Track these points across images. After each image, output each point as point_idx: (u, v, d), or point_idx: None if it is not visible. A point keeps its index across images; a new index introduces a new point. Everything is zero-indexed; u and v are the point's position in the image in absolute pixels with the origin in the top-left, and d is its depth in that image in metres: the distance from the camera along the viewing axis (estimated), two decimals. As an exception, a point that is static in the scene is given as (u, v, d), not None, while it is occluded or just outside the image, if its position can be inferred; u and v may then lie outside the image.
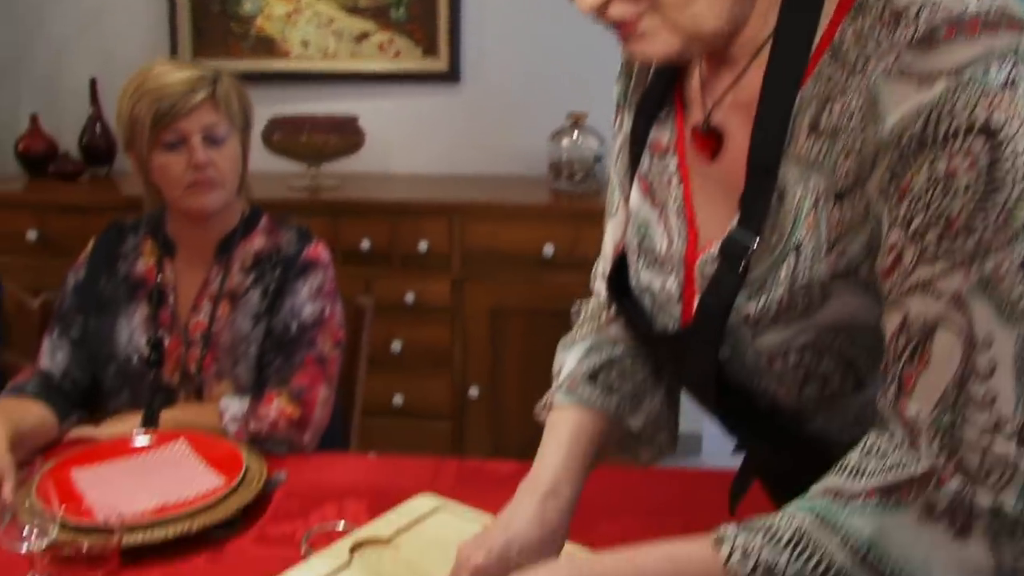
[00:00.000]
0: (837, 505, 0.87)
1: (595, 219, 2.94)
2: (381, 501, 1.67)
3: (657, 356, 1.28)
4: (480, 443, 3.65)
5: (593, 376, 1.29)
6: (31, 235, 3.70)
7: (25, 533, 1.44)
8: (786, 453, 1.15)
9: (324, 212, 3.59)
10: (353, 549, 1.48)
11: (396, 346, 3.60)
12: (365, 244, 3.56)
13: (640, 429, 1.31)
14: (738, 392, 1.10)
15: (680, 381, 1.26)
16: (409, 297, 3.58)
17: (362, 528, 1.55)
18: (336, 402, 2.12)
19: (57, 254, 3.39)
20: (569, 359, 1.33)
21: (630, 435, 1.32)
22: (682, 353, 1.12)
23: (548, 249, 3.49)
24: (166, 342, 2.07)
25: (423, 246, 3.55)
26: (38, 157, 4.02)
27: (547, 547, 1.15)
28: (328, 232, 3.21)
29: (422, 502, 1.64)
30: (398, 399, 3.66)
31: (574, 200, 3.64)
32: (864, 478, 0.87)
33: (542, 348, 3.70)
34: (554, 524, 1.16)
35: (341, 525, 1.61)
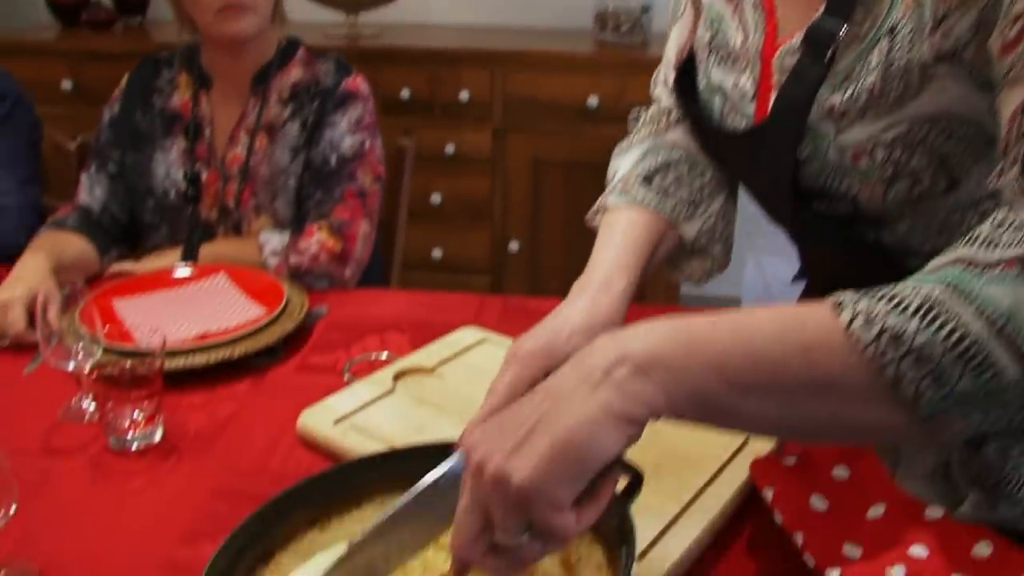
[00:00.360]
0: (971, 275, 0.77)
1: (641, 71, 2.84)
2: (424, 334, 1.64)
3: (722, 162, 1.21)
4: (519, 298, 3.63)
5: (648, 178, 1.21)
6: (66, 84, 3.65)
7: (71, 354, 1.45)
8: (857, 268, 1.08)
9: (362, 60, 3.46)
10: (396, 377, 1.46)
11: (436, 198, 3.55)
12: (405, 93, 3.47)
13: (694, 239, 1.24)
14: (815, 195, 1.03)
15: (750, 187, 1.18)
16: (449, 148, 3.50)
17: (405, 358, 1.53)
18: (375, 249, 2.08)
19: (92, 103, 3.32)
20: (624, 162, 1.26)
21: (683, 246, 1.26)
22: (755, 154, 1.05)
23: (592, 101, 3.38)
24: (203, 176, 2.03)
25: (464, 96, 3.45)
26: (70, 6, 3.93)
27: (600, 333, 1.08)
28: (367, 81, 3.12)
29: (466, 334, 1.61)
30: (437, 252, 3.63)
31: (620, 52, 3.50)
32: (999, 249, 0.77)
33: (584, 202, 3.64)
34: (607, 313, 1.08)
35: (384, 355, 1.59)
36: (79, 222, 2.02)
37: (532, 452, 0.73)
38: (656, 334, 0.76)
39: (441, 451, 1.05)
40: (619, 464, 0.78)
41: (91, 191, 2.08)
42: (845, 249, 1.08)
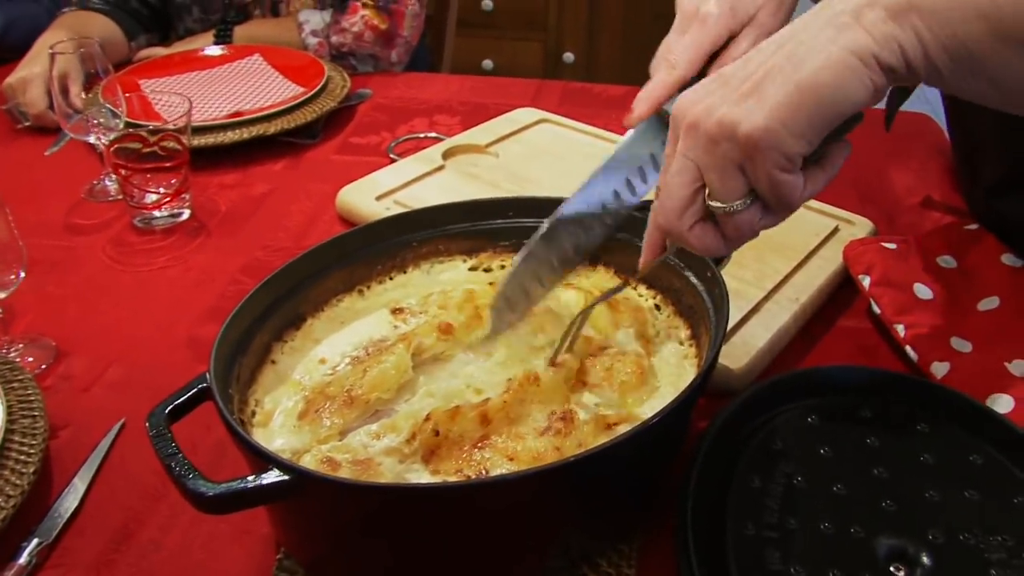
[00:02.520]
0: None
1: None
2: (477, 117, 1.48)
3: None
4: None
5: None
6: None
7: (93, 129, 1.33)
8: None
9: None
10: (446, 156, 1.32)
11: (487, 4, 3.32)
12: None
13: None
14: None
15: None
16: (503, -51, 3.26)
17: (456, 136, 1.38)
18: (423, 51, 1.90)
19: None
20: None
21: None
22: None
23: None
24: (237, -49, 1.85)
25: None
26: None
27: None
28: None
29: (524, 114, 1.44)
30: (487, 63, 3.43)
31: None
32: None
33: (644, 14, 3.42)
34: None
35: (433, 135, 1.45)
36: (105, 2, 1.86)
37: (766, 97, 0.61)
38: None
39: (504, 206, 0.92)
40: (856, 121, 0.65)
41: (120, -31, 1.91)
42: None
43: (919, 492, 0.74)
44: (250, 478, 0.59)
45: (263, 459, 0.60)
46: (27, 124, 1.57)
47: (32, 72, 1.56)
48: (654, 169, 0.80)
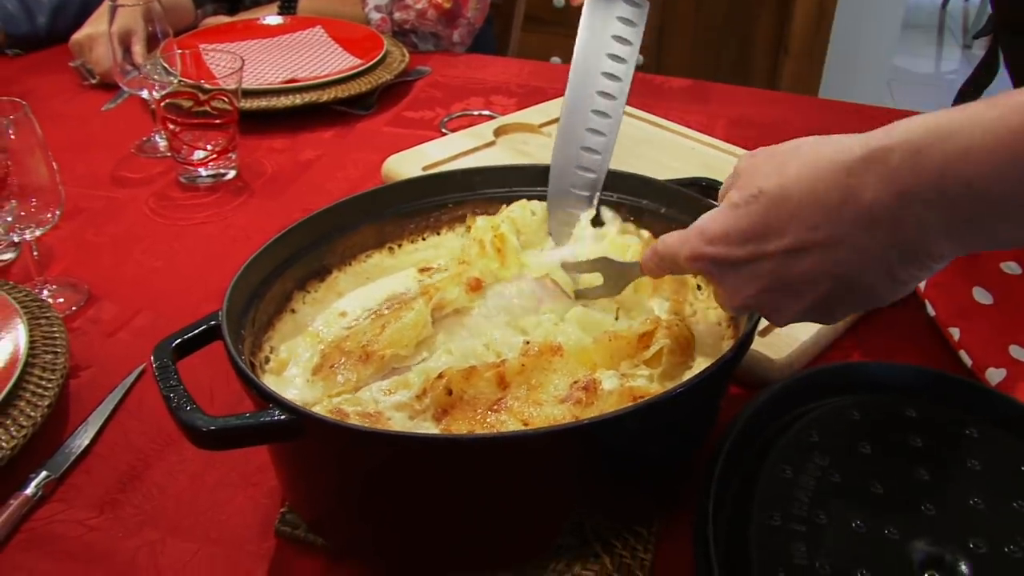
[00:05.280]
0: None
1: None
2: (533, 99, 1.45)
3: None
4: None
5: None
6: None
7: (147, 85, 1.32)
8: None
9: None
10: (498, 133, 1.29)
11: (559, 0, 3.29)
12: None
13: None
14: None
15: None
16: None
17: (509, 115, 1.35)
18: (488, 34, 1.88)
19: None
20: None
21: None
22: None
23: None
24: (307, -78, 1.84)
25: None
26: None
27: None
28: None
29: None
30: (555, 59, 3.39)
31: None
32: None
33: (716, 15, 3.36)
34: None
35: (487, 112, 1.42)
36: (175, -31, 1.87)
37: (835, 315, 0.63)
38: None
39: (541, 173, 0.89)
40: None
41: (189, -63, 1.92)
42: None
43: (963, 499, 0.69)
44: (248, 414, 0.56)
45: (265, 398, 0.58)
46: (93, 81, 1.58)
47: (98, 30, 1.57)
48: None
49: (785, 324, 0.65)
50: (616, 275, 0.77)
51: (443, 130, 1.36)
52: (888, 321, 0.97)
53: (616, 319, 0.78)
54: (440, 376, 0.66)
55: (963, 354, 0.91)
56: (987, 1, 5.31)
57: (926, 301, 0.96)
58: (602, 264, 0.78)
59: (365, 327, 0.73)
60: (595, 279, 0.79)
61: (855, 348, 0.95)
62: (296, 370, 0.70)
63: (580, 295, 0.79)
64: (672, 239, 0.66)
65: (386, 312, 0.74)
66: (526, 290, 0.78)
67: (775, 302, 0.62)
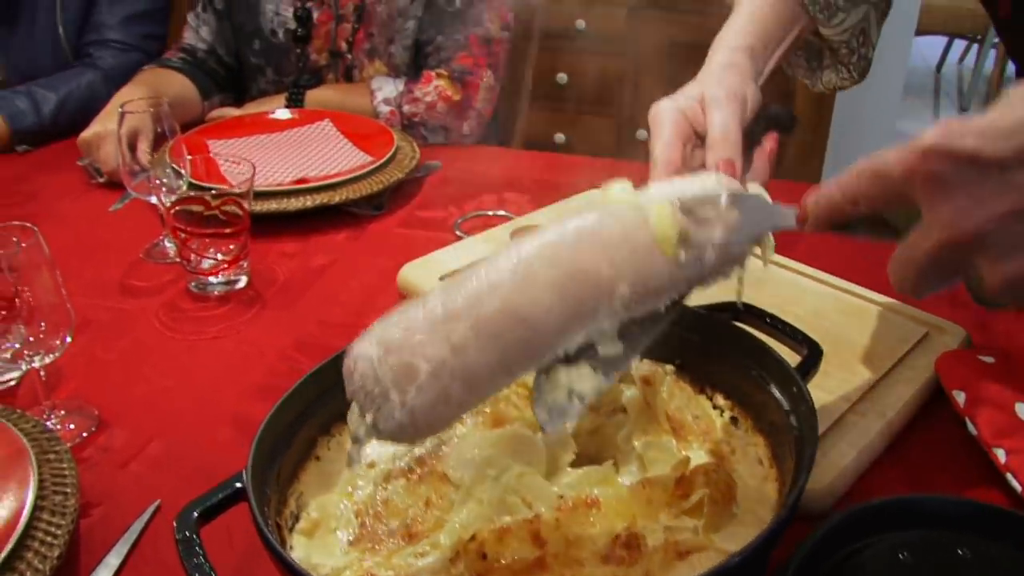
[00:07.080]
0: None
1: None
2: (547, 196, 1.43)
3: None
4: (644, 191, 3.39)
5: None
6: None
7: (156, 188, 1.30)
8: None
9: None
10: (514, 235, 1.27)
11: (562, 78, 3.30)
12: (535, -40, 3.21)
13: (835, 40, 1.03)
14: None
15: None
16: (580, 24, 3.24)
17: (525, 216, 1.33)
18: (493, 122, 1.87)
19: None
20: None
21: (819, 48, 1.06)
22: None
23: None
24: (315, 15, 1.84)
25: (599, -34, 3.17)
26: None
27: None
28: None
29: (596, 196, 1.39)
30: (559, 137, 3.41)
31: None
32: None
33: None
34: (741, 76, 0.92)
35: (501, 213, 1.40)
36: (182, 63, 1.88)
37: None
38: None
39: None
40: None
41: (197, 31, 1.92)
42: None
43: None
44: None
45: (295, 577, 0.54)
46: (101, 180, 1.57)
47: (106, 128, 1.56)
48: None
49: (1000, 284, 0.54)
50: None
51: (457, 232, 1.34)
52: (927, 441, 0.94)
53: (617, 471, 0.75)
54: (472, 539, 0.62)
55: (1010, 477, 0.87)
56: (983, 63, 5.36)
57: (967, 419, 0.93)
58: None
59: (402, 494, 0.70)
60: None
61: (893, 468, 0.91)
62: (331, 539, 0.67)
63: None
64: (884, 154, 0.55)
65: (418, 472, 0.71)
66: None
67: (1015, 237, 0.51)
